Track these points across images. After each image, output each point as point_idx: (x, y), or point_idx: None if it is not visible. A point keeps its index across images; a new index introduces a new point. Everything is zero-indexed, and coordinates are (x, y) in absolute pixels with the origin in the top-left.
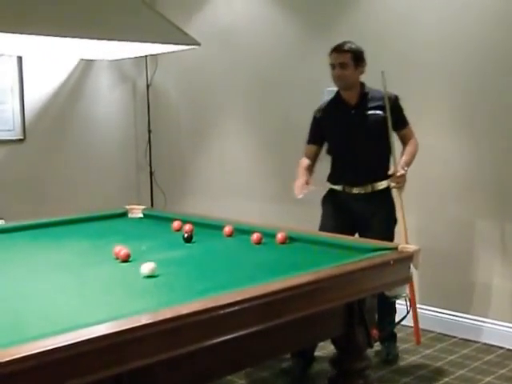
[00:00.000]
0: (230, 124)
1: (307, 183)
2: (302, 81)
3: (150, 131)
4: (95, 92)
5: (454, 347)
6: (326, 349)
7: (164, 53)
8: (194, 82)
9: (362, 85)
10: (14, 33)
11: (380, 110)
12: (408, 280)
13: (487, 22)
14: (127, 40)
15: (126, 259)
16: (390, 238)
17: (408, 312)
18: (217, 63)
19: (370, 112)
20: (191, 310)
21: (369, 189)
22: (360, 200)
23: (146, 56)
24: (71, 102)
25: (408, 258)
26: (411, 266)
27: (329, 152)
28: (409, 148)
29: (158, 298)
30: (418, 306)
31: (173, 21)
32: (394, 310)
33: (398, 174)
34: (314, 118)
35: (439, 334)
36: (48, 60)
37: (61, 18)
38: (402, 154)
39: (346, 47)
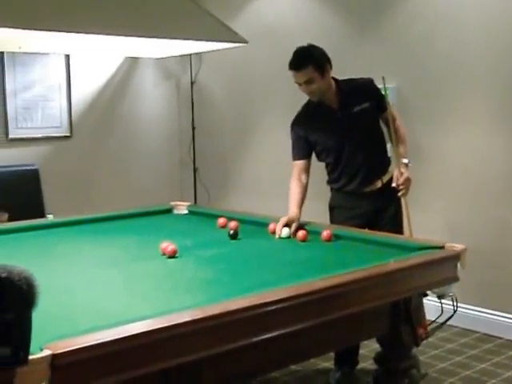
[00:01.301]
0: (274, 122)
1: (290, 224)
2: (347, 77)
3: (193, 128)
4: (140, 89)
5: (500, 348)
6: (369, 347)
7: (210, 51)
8: (239, 80)
9: (337, 82)
10: (62, 31)
11: (364, 101)
12: (455, 279)
13: None
14: (173, 38)
15: (172, 255)
16: (400, 232)
17: (455, 311)
18: (261, 61)
19: (356, 109)
20: (239, 306)
21: (379, 184)
22: (371, 196)
23: (191, 53)
24: (117, 99)
25: (455, 257)
26: (458, 265)
27: (323, 160)
28: (399, 133)
29: (206, 294)
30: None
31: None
32: None
33: (401, 180)
34: (296, 132)
35: (484, 334)
36: (95, 58)
37: (107, 17)
38: (392, 141)
39: (305, 61)
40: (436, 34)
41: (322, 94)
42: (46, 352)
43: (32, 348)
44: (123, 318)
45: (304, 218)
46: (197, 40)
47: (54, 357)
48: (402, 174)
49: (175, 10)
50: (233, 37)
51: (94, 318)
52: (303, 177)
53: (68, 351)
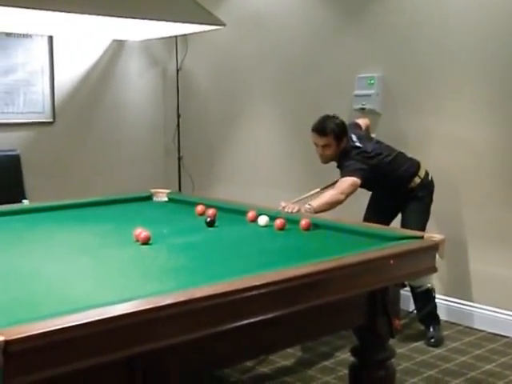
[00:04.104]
0: (259, 110)
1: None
2: (333, 67)
3: (178, 116)
4: (125, 75)
5: (481, 341)
6: (347, 338)
7: (190, 33)
8: (224, 67)
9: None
10: (45, 10)
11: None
12: (433, 270)
13: None
14: (153, 19)
15: (145, 242)
16: (422, 224)
17: (435, 303)
18: (247, 48)
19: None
20: (205, 293)
21: (417, 180)
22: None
23: (176, 39)
24: (101, 85)
25: (433, 248)
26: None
27: None
28: (325, 194)
29: (175, 281)
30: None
31: (204, 4)
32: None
33: (286, 209)
34: None
35: (466, 327)
36: (79, 40)
37: None
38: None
39: (328, 129)
40: (423, 22)
41: (330, 160)
42: None
43: None
44: (87, 304)
45: None
46: (176, 22)
47: (7, 343)
48: (294, 207)
49: None
50: (210, 19)
51: (56, 304)
52: None
53: (22, 337)
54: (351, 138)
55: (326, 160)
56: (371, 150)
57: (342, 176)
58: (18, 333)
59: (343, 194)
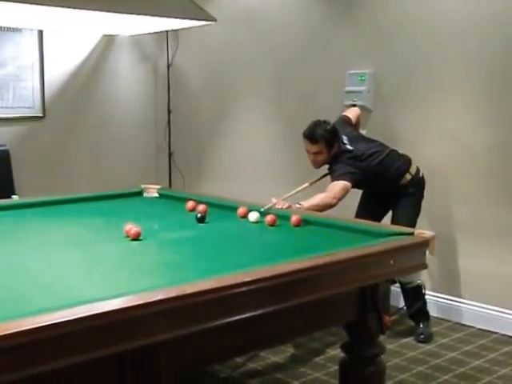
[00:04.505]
0: (250, 106)
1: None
2: (324, 63)
3: (169, 112)
4: (116, 71)
5: (470, 337)
6: (337, 334)
7: (180, 28)
8: (215, 63)
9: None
10: (35, 4)
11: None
12: (423, 266)
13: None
14: (145, 14)
15: (136, 237)
16: (412, 220)
17: (424, 299)
18: (239, 44)
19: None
20: (196, 289)
21: (408, 177)
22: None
23: (167, 35)
24: (92, 80)
25: (423, 244)
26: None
27: None
28: (317, 198)
29: (166, 277)
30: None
31: None
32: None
33: (277, 205)
34: None
35: (456, 323)
36: (69, 35)
37: None
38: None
39: (318, 136)
40: (414, 19)
41: (322, 165)
42: None
43: None
44: (76, 300)
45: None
46: (166, 17)
47: None
48: (284, 204)
49: None
50: (200, 14)
51: (44, 300)
52: None
53: (10, 334)
54: (342, 140)
55: (318, 165)
56: (362, 152)
57: (333, 180)
58: (5, 329)
59: (335, 199)
